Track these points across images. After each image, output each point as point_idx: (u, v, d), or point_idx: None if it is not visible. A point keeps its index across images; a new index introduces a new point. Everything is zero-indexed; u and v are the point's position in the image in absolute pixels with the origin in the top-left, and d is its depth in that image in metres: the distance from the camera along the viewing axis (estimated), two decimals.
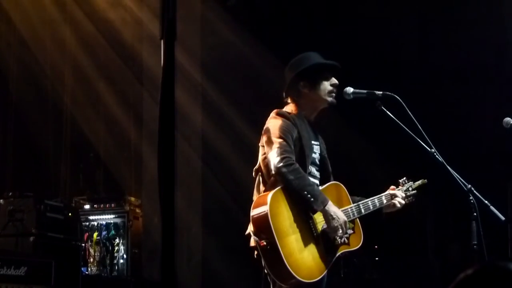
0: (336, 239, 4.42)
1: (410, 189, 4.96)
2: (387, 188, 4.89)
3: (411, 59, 9.11)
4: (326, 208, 4.35)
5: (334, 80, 4.71)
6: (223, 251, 9.47)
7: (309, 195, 4.30)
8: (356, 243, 4.58)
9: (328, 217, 4.37)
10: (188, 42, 9.70)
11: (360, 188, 4.82)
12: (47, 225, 7.24)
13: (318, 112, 4.77)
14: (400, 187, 4.92)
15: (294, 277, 4.16)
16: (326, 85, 4.68)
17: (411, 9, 9.20)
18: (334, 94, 4.70)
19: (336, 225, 4.38)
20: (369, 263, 8.36)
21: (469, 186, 4.37)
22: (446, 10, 8.88)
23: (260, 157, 4.58)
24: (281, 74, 4.84)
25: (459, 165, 4.54)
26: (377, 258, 8.56)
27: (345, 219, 4.44)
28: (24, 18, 10.01)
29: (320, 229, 4.40)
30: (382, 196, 4.79)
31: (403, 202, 4.83)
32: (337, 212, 4.40)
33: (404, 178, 5.01)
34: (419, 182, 5.03)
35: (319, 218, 4.40)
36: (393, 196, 4.81)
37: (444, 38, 8.90)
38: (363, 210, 4.62)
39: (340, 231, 4.41)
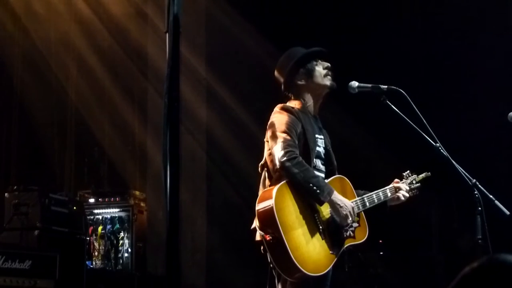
0: (344, 230, 4.43)
1: (414, 182, 4.97)
2: (391, 181, 4.90)
3: (416, 53, 9.08)
4: (332, 198, 4.36)
5: (325, 64, 4.75)
6: (227, 246, 9.47)
7: (314, 187, 4.30)
8: (362, 236, 4.58)
9: (336, 206, 4.38)
10: (192, 36, 9.69)
11: (364, 181, 4.82)
12: (52, 218, 7.25)
13: (321, 100, 4.78)
14: (404, 180, 4.94)
15: (300, 271, 4.15)
16: (320, 70, 4.72)
17: (416, 3, 9.18)
18: (330, 77, 4.72)
19: (345, 212, 4.40)
20: (374, 258, 8.35)
21: (474, 180, 4.36)
22: (450, 4, 8.86)
23: (266, 153, 4.58)
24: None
25: (464, 159, 4.53)
26: (381, 253, 8.56)
27: (353, 205, 4.46)
28: (29, 11, 10.02)
29: (326, 223, 4.40)
30: (386, 189, 4.80)
31: (407, 195, 4.85)
32: (344, 200, 4.42)
33: (408, 171, 5.02)
34: (423, 175, 5.04)
35: (325, 211, 4.41)
36: (397, 189, 4.83)
37: (448, 33, 8.88)
38: (367, 203, 4.63)
39: (350, 218, 4.42)
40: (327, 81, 4.71)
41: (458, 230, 8.44)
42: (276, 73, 4.82)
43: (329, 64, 4.75)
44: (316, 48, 4.80)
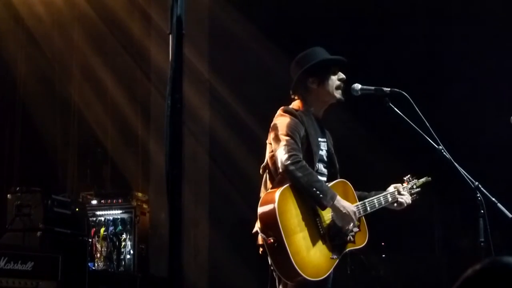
0: (345, 235, 4.41)
1: (415, 186, 4.96)
2: (392, 183, 4.89)
3: (419, 56, 9.08)
4: (335, 203, 4.34)
5: (341, 75, 4.71)
6: (229, 247, 9.47)
7: (318, 192, 4.28)
8: (362, 241, 4.57)
9: (339, 211, 4.37)
10: (195, 37, 9.69)
11: (365, 184, 4.81)
12: (54, 220, 7.25)
13: (326, 107, 4.76)
14: (405, 185, 4.92)
15: (300, 275, 4.14)
16: (335, 80, 4.67)
17: (420, 6, 9.19)
18: (341, 90, 4.69)
19: (348, 218, 4.39)
20: (376, 260, 8.36)
21: (476, 183, 4.36)
22: (454, 7, 8.86)
23: (268, 154, 4.57)
24: (288, 69, 4.83)
25: (466, 162, 4.53)
26: (384, 255, 8.56)
27: (355, 210, 4.44)
28: (33, 13, 10.02)
29: (327, 227, 4.39)
30: (387, 194, 4.78)
31: (409, 201, 4.83)
32: (346, 205, 4.40)
33: (409, 175, 5.01)
34: (423, 179, 5.03)
35: (326, 216, 4.39)
36: (399, 194, 4.81)
37: (451, 35, 8.88)
38: (368, 208, 4.62)
39: (352, 223, 4.42)
40: (337, 94, 4.68)
41: (460, 232, 8.45)
42: (292, 67, 4.78)
43: (344, 77, 4.70)
44: (338, 56, 4.75)
